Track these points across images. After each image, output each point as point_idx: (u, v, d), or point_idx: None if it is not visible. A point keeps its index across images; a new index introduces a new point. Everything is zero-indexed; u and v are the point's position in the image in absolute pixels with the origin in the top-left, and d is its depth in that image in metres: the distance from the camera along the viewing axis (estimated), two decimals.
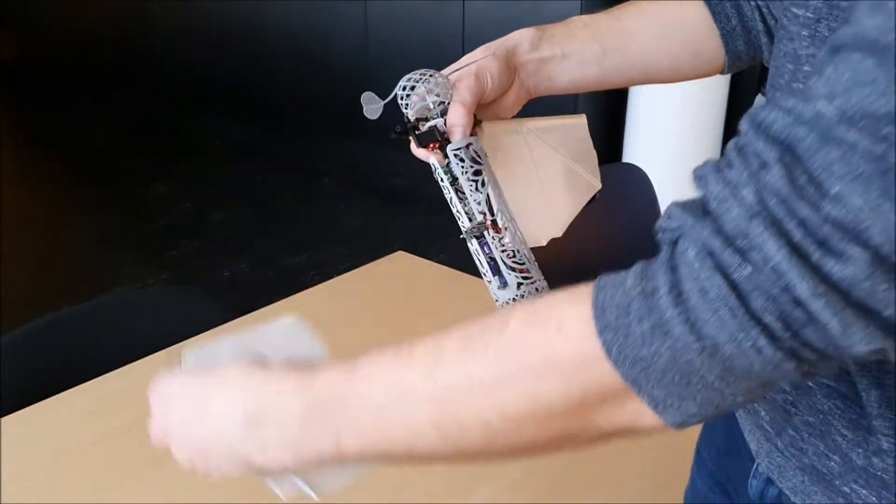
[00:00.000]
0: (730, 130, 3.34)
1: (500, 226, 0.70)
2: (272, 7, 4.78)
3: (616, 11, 0.78)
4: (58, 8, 6.48)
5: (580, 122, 0.78)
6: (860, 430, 0.54)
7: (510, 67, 0.73)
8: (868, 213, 0.35)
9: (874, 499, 0.55)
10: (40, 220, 4.20)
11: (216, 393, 0.55)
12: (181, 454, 0.58)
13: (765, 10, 0.72)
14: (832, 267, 0.36)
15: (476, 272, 0.72)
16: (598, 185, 0.76)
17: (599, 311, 0.43)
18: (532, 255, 0.72)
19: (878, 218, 0.35)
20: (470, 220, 0.70)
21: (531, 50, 0.74)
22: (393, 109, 0.75)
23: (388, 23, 4.22)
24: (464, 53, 0.74)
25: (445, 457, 0.50)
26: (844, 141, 0.36)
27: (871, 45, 0.36)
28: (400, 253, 1.63)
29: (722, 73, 0.78)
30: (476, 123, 0.72)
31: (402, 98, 0.72)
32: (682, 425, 0.43)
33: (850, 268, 0.36)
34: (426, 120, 0.71)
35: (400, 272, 1.57)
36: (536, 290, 0.70)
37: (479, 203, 0.70)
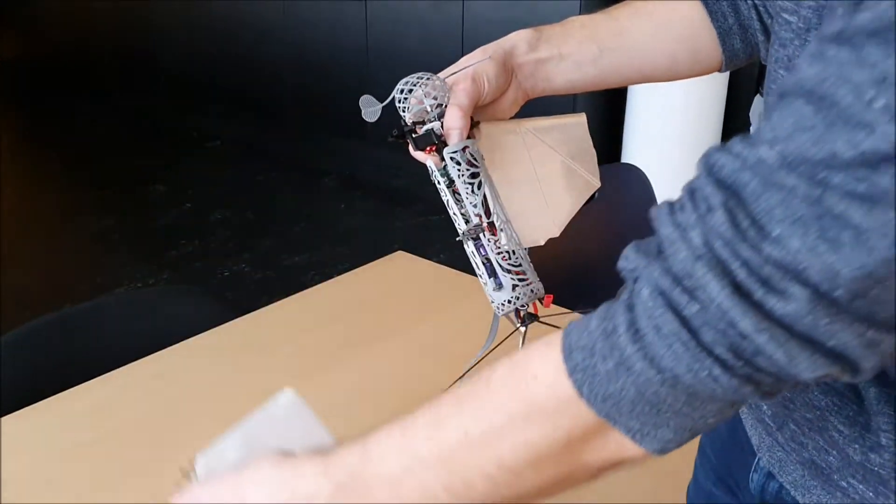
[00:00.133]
0: (728, 131, 3.34)
1: (497, 228, 0.70)
2: (272, 7, 4.78)
3: (613, 11, 0.78)
4: (58, 8, 6.48)
5: (580, 120, 0.78)
6: (856, 427, 0.55)
7: (507, 69, 0.73)
8: (806, 254, 0.38)
9: (871, 494, 0.55)
10: (40, 220, 4.20)
11: (252, 491, 0.56)
12: None
13: (761, 8, 0.72)
14: (774, 304, 0.39)
15: (475, 272, 0.72)
16: (598, 184, 0.76)
17: (568, 354, 0.46)
18: (528, 257, 0.72)
19: (815, 259, 0.37)
20: (466, 222, 0.71)
21: (528, 51, 0.74)
22: (392, 111, 0.75)
23: (387, 23, 4.23)
24: (463, 54, 0.74)
25: None
26: (784, 186, 0.38)
27: (810, 93, 0.38)
28: (399, 253, 1.64)
29: (719, 71, 0.79)
30: (474, 125, 0.72)
31: (399, 101, 0.73)
32: (663, 451, 0.46)
33: (792, 305, 0.38)
34: (423, 123, 0.72)
35: (399, 272, 1.57)
36: (532, 291, 0.70)
37: (475, 206, 0.70)
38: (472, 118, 0.71)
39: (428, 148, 0.71)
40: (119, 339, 1.32)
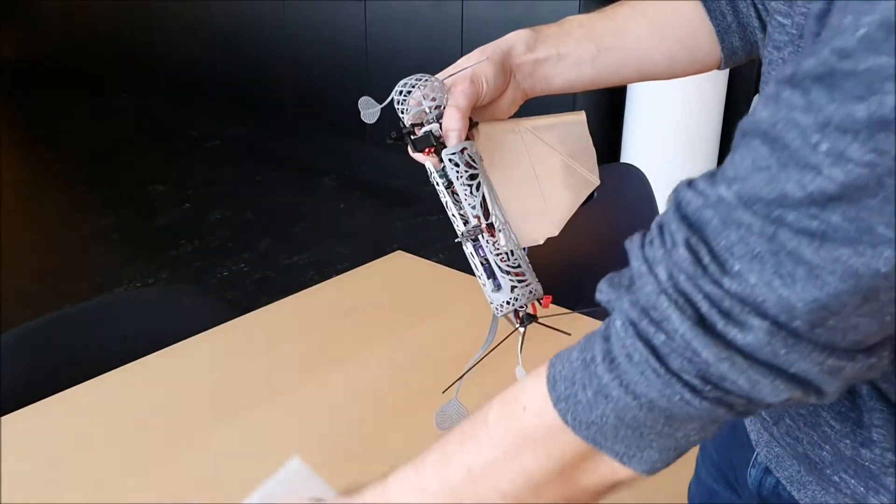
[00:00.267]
0: (727, 130, 3.34)
1: (495, 229, 0.70)
2: (272, 7, 4.78)
3: (610, 10, 0.78)
4: (58, 8, 6.48)
5: (579, 118, 0.78)
6: (847, 422, 0.56)
7: (506, 70, 0.74)
8: (763, 288, 0.40)
9: (862, 489, 0.56)
10: (40, 220, 4.20)
11: None
12: None
13: (760, 6, 0.72)
14: (735, 335, 0.41)
15: (474, 273, 0.72)
16: (597, 182, 0.76)
17: (552, 385, 0.48)
18: (527, 258, 0.72)
19: (771, 293, 0.40)
20: (465, 223, 0.71)
21: (526, 51, 0.74)
22: (391, 112, 0.75)
23: (387, 23, 4.23)
24: (462, 54, 0.74)
25: None
26: (742, 223, 0.40)
27: (765, 134, 0.40)
28: (399, 253, 1.64)
29: (718, 68, 0.79)
30: (472, 126, 0.73)
31: (398, 103, 0.73)
32: (652, 471, 0.48)
33: (751, 335, 0.41)
34: (422, 124, 0.72)
35: (399, 272, 1.58)
36: (531, 292, 0.70)
37: (473, 207, 0.70)
38: (470, 119, 0.72)
39: (427, 149, 0.71)
40: (119, 339, 1.32)
